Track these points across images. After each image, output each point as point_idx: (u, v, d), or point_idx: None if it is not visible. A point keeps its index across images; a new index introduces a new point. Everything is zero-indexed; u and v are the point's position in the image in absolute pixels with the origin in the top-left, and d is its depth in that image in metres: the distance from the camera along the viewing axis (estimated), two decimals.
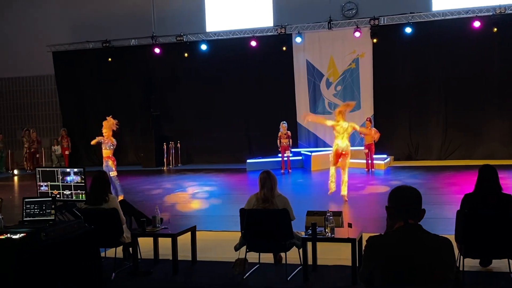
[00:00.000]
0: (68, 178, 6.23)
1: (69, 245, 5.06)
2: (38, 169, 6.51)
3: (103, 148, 12.25)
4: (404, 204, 3.10)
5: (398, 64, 18.33)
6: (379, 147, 16.56)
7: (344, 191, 10.65)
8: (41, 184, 6.40)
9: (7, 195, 14.06)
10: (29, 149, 20.89)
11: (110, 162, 12.06)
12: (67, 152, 20.36)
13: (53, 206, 5.23)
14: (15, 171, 19.72)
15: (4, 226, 4.97)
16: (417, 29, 17.64)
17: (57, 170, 6.35)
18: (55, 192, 6.33)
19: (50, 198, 5.38)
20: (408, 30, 17.63)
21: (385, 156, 17.25)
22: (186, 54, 19.62)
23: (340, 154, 10.58)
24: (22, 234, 4.74)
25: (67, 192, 6.29)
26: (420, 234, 3.02)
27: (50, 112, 22.86)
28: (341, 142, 10.52)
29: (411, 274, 2.91)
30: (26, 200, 5.29)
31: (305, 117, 12.76)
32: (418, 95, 18.18)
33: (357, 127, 11.12)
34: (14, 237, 4.72)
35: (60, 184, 6.29)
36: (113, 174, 11.83)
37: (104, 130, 12.32)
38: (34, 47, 21.32)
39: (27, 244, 4.70)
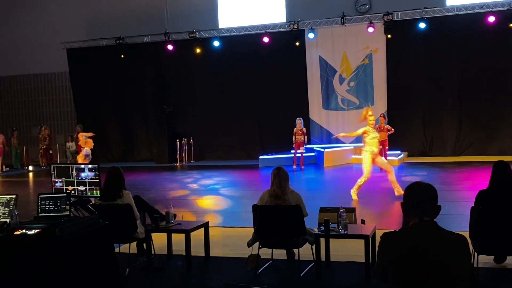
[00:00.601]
0: (83, 174, 6.28)
1: (83, 241, 5.09)
2: (53, 165, 6.56)
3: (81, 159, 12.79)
4: (419, 200, 3.07)
5: (412, 59, 18.21)
6: (393, 143, 16.49)
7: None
8: (56, 180, 6.45)
9: (22, 191, 14.20)
10: (43, 145, 21.09)
11: None
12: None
13: (68, 202, 5.26)
14: (30, 168, 19.92)
15: (19, 222, 5.02)
16: (431, 25, 17.50)
17: (71, 167, 6.39)
18: (70, 188, 6.38)
19: (65, 194, 5.42)
20: (422, 25, 17.50)
21: (398, 152, 17.16)
22: (198, 51, 19.66)
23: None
24: (37, 230, 4.77)
25: (81, 188, 6.33)
26: (435, 231, 3.00)
27: (64, 109, 23.04)
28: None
29: (426, 271, 2.90)
30: (41, 196, 5.33)
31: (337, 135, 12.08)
32: (432, 91, 18.05)
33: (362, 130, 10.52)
34: (29, 232, 4.75)
35: (75, 180, 6.34)
36: None
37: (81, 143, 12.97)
38: (48, 44, 21.49)
39: (42, 239, 4.73)
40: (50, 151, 21.01)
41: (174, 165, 19.43)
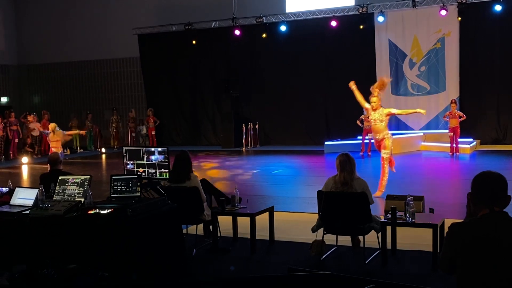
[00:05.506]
0: (153, 157, 6.49)
1: (153, 221, 5.26)
2: (124, 148, 6.82)
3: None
4: (489, 190, 2.97)
5: (487, 43, 17.41)
6: (465, 130, 15.92)
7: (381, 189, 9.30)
8: (128, 162, 6.70)
9: (96, 172, 14.80)
10: (117, 128, 21.78)
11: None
12: (153, 132, 20.99)
13: (138, 184, 5.44)
14: (103, 149, 20.67)
15: (93, 202, 5.24)
16: (507, 7, 16.61)
17: (142, 149, 6.62)
18: (141, 170, 6.61)
19: (136, 176, 5.61)
20: (498, 8, 16.65)
21: (471, 139, 16.55)
22: (265, 35, 19.63)
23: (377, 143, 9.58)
24: (110, 210, 4.97)
25: (151, 170, 6.55)
26: (507, 221, 2.90)
27: (135, 94, 23.73)
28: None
29: (496, 263, 2.81)
30: (113, 177, 5.54)
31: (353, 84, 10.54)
32: (508, 76, 17.21)
33: (395, 111, 9.70)
34: (102, 212, 4.96)
35: (145, 162, 6.56)
36: None
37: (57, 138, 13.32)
38: (120, 30, 22.16)
39: (114, 219, 4.93)
40: (133, 134, 21.59)
41: (240, 150, 19.63)
